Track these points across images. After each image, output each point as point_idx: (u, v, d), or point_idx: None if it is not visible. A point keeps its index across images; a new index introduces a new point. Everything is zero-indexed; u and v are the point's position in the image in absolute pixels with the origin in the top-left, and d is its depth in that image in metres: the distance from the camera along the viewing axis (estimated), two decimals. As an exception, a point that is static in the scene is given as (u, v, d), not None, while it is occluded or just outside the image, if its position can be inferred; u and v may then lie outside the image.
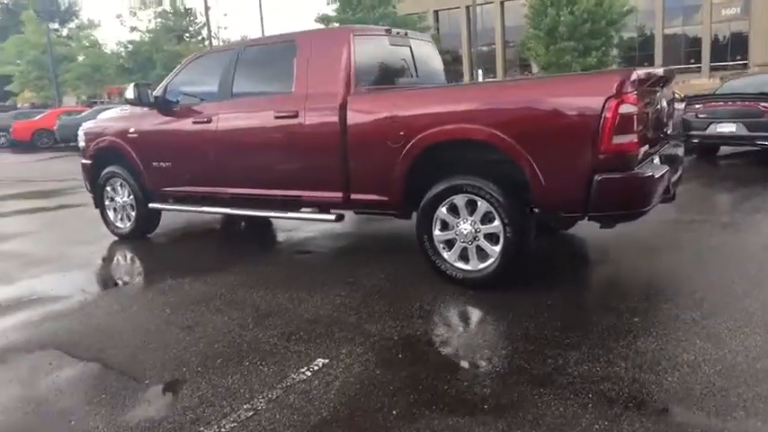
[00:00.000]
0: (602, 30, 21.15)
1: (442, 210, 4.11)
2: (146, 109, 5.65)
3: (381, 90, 4.49)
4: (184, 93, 5.52)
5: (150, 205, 5.83)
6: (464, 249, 4.09)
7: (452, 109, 3.99)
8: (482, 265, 4.03)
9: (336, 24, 25.37)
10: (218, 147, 5.18)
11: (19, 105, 36.18)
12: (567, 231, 5.15)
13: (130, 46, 35.55)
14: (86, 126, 6.43)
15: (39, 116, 23.77)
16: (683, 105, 9.94)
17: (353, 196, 4.53)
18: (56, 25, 49.47)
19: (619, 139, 3.45)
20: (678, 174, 4.34)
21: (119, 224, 6.23)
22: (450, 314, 3.78)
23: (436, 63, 5.61)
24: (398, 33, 5.13)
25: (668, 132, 4.66)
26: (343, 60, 4.48)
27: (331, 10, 25.32)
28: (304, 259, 5.25)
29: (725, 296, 3.70)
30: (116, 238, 6.19)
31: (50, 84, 31.02)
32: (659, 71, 4.19)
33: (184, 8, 37.54)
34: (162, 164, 5.65)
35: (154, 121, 5.64)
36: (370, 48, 4.83)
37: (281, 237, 6.18)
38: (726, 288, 3.83)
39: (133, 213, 6.04)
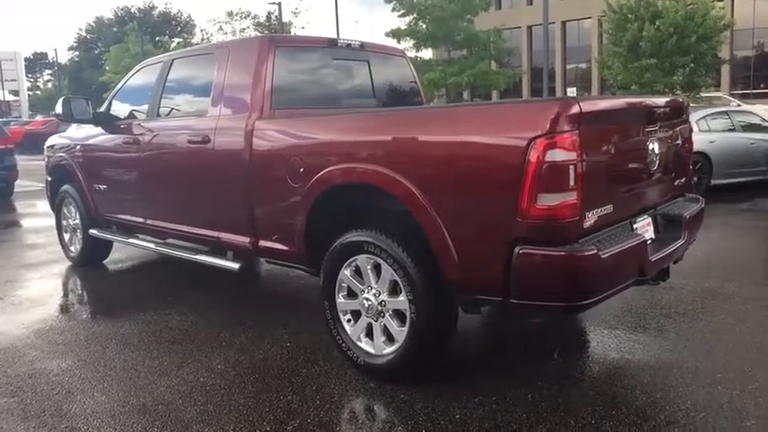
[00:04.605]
0: (692, 46, 18.68)
1: (346, 272, 3.17)
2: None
3: (295, 114, 3.61)
4: (124, 108, 4.93)
5: (90, 231, 5.27)
6: (370, 326, 3.12)
7: (347, 141, 3.06)
8: (387, 350, 3.04)
9: (408, 39, 24.60)
10: (142, 172, 4.53)
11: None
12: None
13: None
14: (51, 139, 6.01)
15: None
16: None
17: (261, 243, 3.67)
18: (164, 38, 52.67)
19: (547, 199, 2.37)
20: (679, 243, 3.10)
21: (71, 248, 5.75)
22: (324, 424, 2.79)
23: (406, 81, 4.63)
24: (349, 45, 4.22)
25: (678, 183, 3.44)
26: (260, 76, 3.65)
27: (403, 23, 24.66)
28: (237, 306, 4.40)
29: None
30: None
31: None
32: (648, 102, 3.01)
33: (278, 21, 38.43)
34: (101, 186, 5.09)
35: (96, 139, 5.09)
36: (302, 62, 3.97)
37: (262, 276, 5.32)
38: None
39: (80, 237, 5.53)
